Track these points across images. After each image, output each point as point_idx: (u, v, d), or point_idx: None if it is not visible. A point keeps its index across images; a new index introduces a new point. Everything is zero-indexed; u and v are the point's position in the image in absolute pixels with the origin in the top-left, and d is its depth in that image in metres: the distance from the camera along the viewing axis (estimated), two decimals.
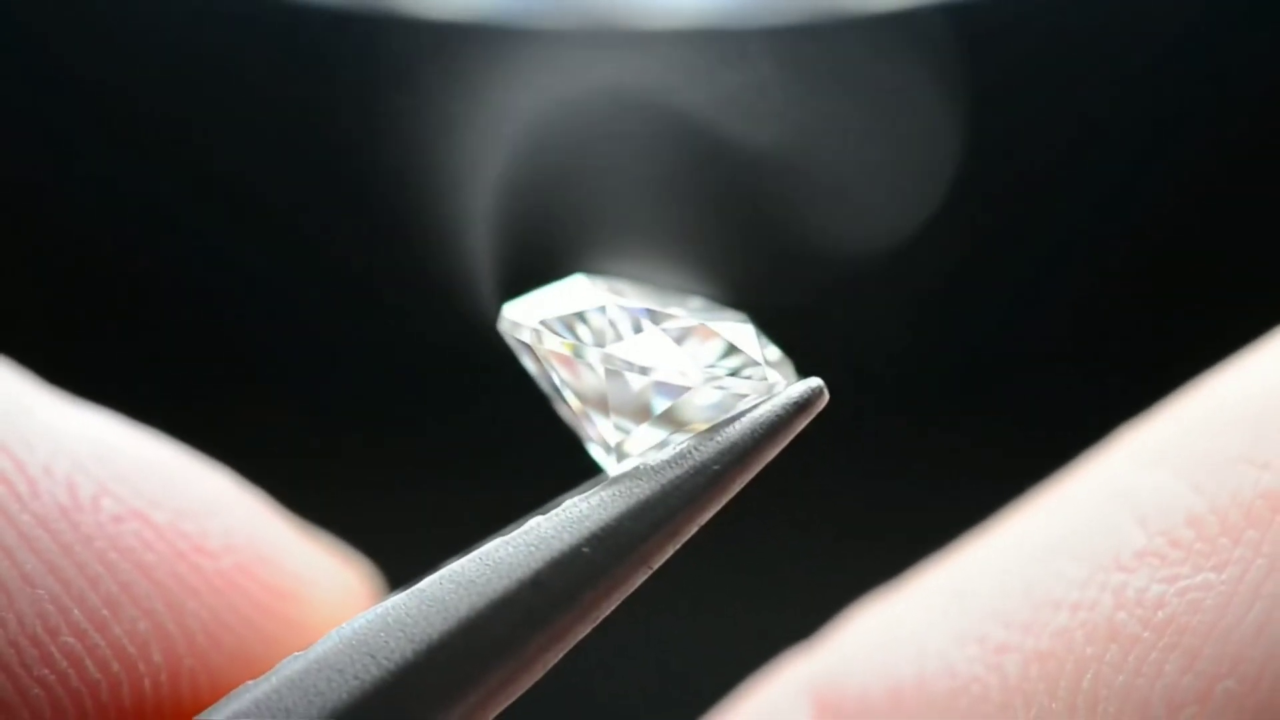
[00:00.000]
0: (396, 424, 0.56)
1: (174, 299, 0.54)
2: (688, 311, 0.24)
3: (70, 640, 0.24)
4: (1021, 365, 0.55)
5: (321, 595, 0.27)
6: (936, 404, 0.55)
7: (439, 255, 0.54)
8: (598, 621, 0.23)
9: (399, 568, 0.27)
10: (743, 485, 0.24)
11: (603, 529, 0.23)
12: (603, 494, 0.23)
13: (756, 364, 0.24)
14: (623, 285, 0.25)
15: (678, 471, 0.23)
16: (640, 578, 0.23)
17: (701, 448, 0.23)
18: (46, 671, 0.24)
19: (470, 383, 0.53)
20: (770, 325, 0.28)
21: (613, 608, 0.23)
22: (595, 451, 0.25)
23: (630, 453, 0.24)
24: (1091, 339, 0.55)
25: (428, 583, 0.23)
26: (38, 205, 0.54)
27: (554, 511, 0.23)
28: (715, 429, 0.24)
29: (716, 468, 0.23)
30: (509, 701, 0.23)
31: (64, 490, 0.24)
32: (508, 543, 0.23)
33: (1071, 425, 0.32)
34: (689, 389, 0.24)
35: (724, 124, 0.51)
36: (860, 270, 0.53)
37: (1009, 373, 0.55)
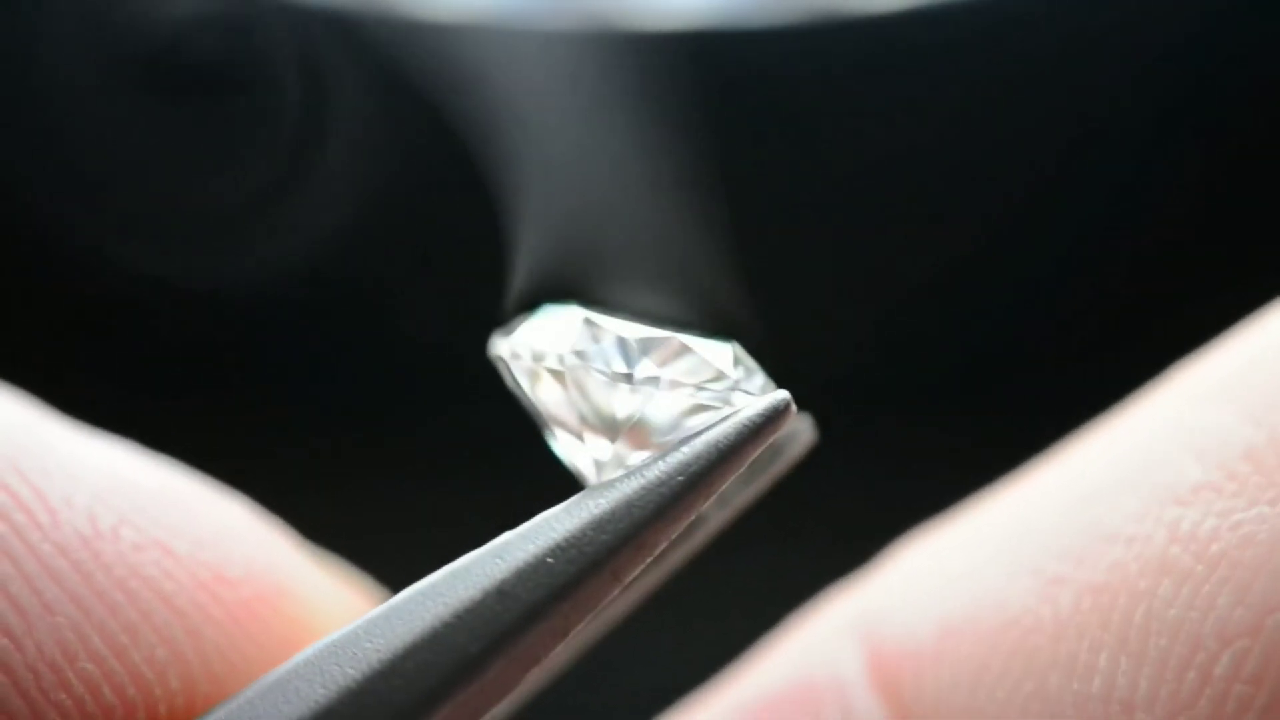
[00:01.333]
0: (395, 424, 0.56)
1: (173, 299, 0.54)
2: (669, 335, 0.25)
3: (88, 666, 0.24)
4: (1021, 365, 0.55)
5: (337, 624, 0.27)
6: (936, 404, 0.55)
7: (438, 255, 0.53)
8: (568, 635, 0.23)
9: (398, 569, 0.27)
10: (711, 498, 0.24)
11: (566, 539, 0.23)
12: (570, 506, 0.24)
13: (731, 380, 0.25)
14: (608, 310, 0.25)
15: (642, 483, 0.24)
16: (611, 591, 0.24)
17: (668, 461, 0.24)
18: (64, 696, 0.24)
19: (469, 384, 0.53)
20: (769, 325, 0.28)
21: (583, 622, 0.23)
22: (576, 470, 0.25)
23: (607, 470, 0.25)
24: (1092, 339, 0.55)
25: (401, 595, 0.23)
26: (36, 205, 0.54)
27: (524, 525, 0.24)
28: (684, 443, 0.24)
29: (681, 479, 0.24)
30: (487, 717, 0.23)
31: (84, 520, 0.24)
32: (477, 554, 0.24)
33: (1072, 425, 0.32)
34: (665, 407, 0.24)
35: (716, 127, 0.51)
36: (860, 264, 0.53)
37: (1009, 373, 0.55)
